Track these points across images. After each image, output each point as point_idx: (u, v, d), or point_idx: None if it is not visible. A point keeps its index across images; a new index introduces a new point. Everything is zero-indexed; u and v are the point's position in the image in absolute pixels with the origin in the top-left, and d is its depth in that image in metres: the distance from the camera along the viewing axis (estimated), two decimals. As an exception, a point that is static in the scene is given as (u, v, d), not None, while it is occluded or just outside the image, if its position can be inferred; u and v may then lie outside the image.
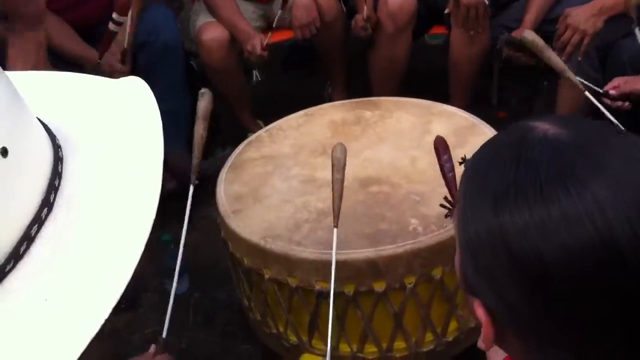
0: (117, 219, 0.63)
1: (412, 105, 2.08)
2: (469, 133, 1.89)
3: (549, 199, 0.58)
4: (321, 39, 2.71)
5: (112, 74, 2.37)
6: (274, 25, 2.60)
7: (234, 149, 2.15)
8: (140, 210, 0.63)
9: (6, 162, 0.58)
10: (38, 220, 0.61)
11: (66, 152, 0.68)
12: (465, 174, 0.68)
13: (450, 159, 1.46)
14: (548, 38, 2.27)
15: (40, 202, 0.62)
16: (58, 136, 0.69)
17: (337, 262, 1.46)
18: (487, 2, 2.44)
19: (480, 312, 0.66)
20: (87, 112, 0.74)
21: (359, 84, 2.88)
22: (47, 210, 0.63)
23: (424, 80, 2.68)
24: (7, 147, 0.58)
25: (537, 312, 0.60)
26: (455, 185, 1.41)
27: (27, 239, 0.60)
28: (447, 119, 1.98)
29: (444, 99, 2.55)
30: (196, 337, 2.07)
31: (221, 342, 2.02)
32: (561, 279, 0.57)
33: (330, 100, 2.87)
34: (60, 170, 0.66)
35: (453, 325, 1.62)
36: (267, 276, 1.59)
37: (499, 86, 2.88)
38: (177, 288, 2.15)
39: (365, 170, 1.79)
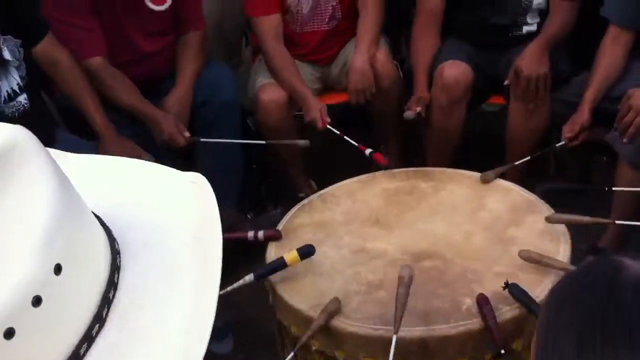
0: (170, 342, 0.61)
1: (466, 177, 2.06)
2: (525, 211, 1.85)
3: (637, 346, 0.56)
4: (376, 104, 2.72)
5: (171, 142, 2.40)
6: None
7: (285, 208, 2.15)
8: (192, 339, 0.61)
9: (60, 280, 0.56)
10: (88, 339, 0.59)
11: (124, 257, 0.66)
12: (548, 304, 0.66)
13: (491, 309, 1.46)
14: (608, 116, 2.26)
15: (92, 318, 0.59)
16: (118, 239, 0.67)
17: (386, 338, 1.43)
18: (549, 75, 2.42)
19: None
20: (152, 209, 0.72)
21: (413, 148, 2.87)
22: (99, 326, 0.60)
23: (480, 147, 2.65)
24: (62, 263, 0.56)
25: None
26: (498, 329, 1.43)
27: (76, 358, 0.57)
28: (503, 194, 1.95)
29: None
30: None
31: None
32: None
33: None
34: (116, 280, 0.63)
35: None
36: (313, 347, 1.56)
37: (556, 159, 2.84)
38: (220, 348, 2.15)
39: (418, 244, 1.76)
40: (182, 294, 0.65)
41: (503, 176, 2.04)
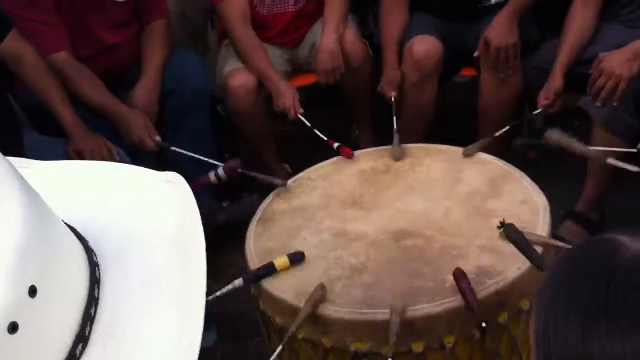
0: (159, 355, 0.59)
1: (442, 152, 2.04)
2: (503, 182, 1.84)
3: None
4: (347, 83, 2.69)
5: (141, 145, 2.35)
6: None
7: (260, 194, 2.13)
8: (182, 350, 0.59)
9: (35, 302, 0.53)
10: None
11: (103, 268, 0.63)
12: (545, 288, 0.64)
13: (469, 282, 1.44)
14: (582, 80, 2.25)
15: (74, 338, 0.57)
16: (95, 249, 0.64)
17: (374, 322, 1.43)
18: (518, 44, 2.41)
19: None
20: (128, 214, 0.69)
21: (386, 125, 2.85)
22: (82, 345, 0.57)
23: (453, 119, 2.64)
24: (36, 285, 0.53)
25: None
26: (477, 303, 1.41)
27: None
28: (480, 166, 1.94)
29: (474, 139, 2.52)
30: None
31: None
32: None
33: (357, 142, 2.85)
34: (96, 295, 0.60)
35: (492, 383, 1.56)
36: (300, 336, 1.54)
37: (529, 127, 2.84)
38: (204, 340, 2.13)
39: (398, 223, 1.75)
40: (166, 303, 0.62)
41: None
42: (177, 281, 0.64)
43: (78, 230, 0.65)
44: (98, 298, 0.60)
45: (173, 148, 2.33)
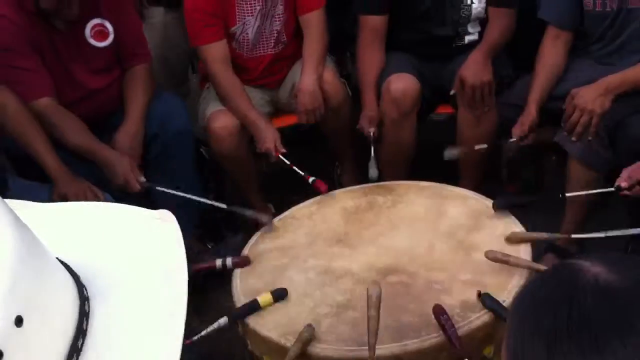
0: None
1: (423, 188, 2.09)
2: (484, 217, 1.88)
3: (604, 350, 0.57)
4: (327, 123, 2.73)
5: (126, 187, 2.36)
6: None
7: (245, 235, 2.15)
8: None
9: (22, 332, 0.54)
10: None
11: (94, 302, 0.65)
12: (513, 312, 0.67)
13: (448, 318, 1.47)
14: (556, 115, 2.31)
15: None
16: (87, 284, 0.66)
17: (361, 359, 1.44)
18: (493, 81, 2.47)
19: None
20: (119, 250, 0.72)
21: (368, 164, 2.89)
22: None
23: (433, 157, 2.68)
24: (23, 315, 0.55)
25: None
26: (458, 337, 1.44)
27: None
28: (461, 202, 1.98)
29: (454, 176, 2.57)
30: None
31: None
32: None
33: (339, 181, 2.88)
34: (85, 327, 0.62)
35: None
36: (289, 375, 1.55)
37: (508, 161, 2.89)
38: (192, 382, 2.12)
39: (383, 259, 1.78)
40: (150, 334, 0.64)
41: (458, 184, 2.08)
42: (161, 316, 0.66)
43: (71, 266, 0.67)
44: (86, 330, 0.62)
45: (158, 188, 2.34)
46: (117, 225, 0.75)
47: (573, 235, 2.08)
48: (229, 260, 1.78)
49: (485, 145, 2.43)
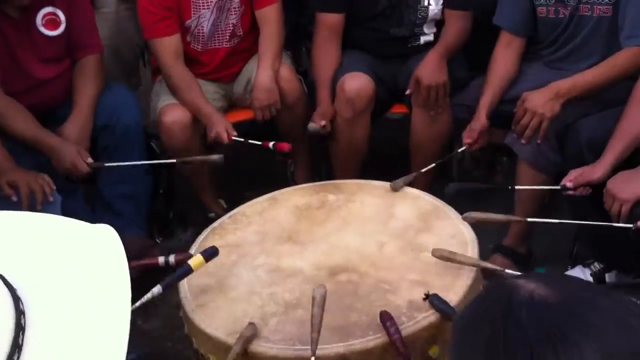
0: None
1: (375, 188, 2.09)
2: (434, 217, 1.89)
3: (540, 358, 0.58)
4: (283, 119, 2.72)
5: (74, 169, 2.32)
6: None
7: (195, 231, 2.12)
8: None
9: None
10: None
11: (30, 316, 0.64)
12: (454, 328, 0.69)
13: (393, 324, 1.46)
14: (507, 118, 2.34)
15: None
16: (24, 297, 0.65)
17: (307, 358, 1.43)
18: (448, 82, 2.49)
19: None
20: (57, 262, 0.70)
21: (322, 162, 2.89)
22: None
23: (385, 155, 2.70)
24: None
25: None
26: (402, 343, 1.43)
27: None
28: (411, 202, 1.98)
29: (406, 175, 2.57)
30: None
31: None
32: None
33: (293, 179, 2.87)
34: (20, 342, 0.62)
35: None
36: (234, 373, 1.53)
37: (460, 163, 2.92)
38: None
39: (332, 258, 1.77)
40: (89, 345, 0.63)
41: (411, 184, 2.08)
42: (101, 327, 0.65)
43: (7, 279, 0.66)
44: (22, 345, 0.62)
45: (107, 164, 2.30)
46: (56, 237, 0.74)
47: (529, 219, 2.07)
48: (171, 257, 1.75)
49: (432, 165, 2.35)
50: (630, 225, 1.77)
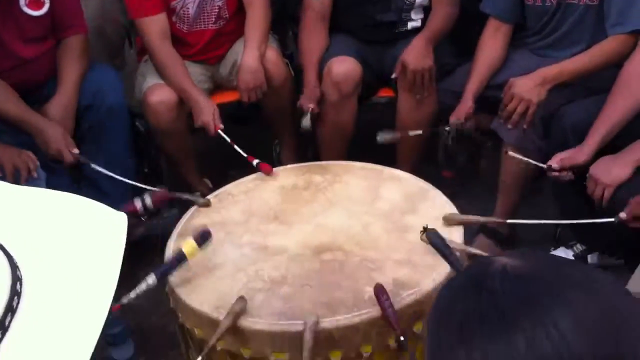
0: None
1: (361, 169, 2.09)
2: (420, 199, 1.90)
3: (511, 327, 0.59)
4: (269, 102, 2.72)
5: (58, 157, 2.30)
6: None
7: (180, 209, 2.11)
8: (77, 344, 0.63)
9: None
10: None
11: (27, 283, 0.67)
12: (433, 308, 0.70)
13: (388, 297, 1.47)
14: (493, 103, 2.35)
15: None
16: (21, 264, 0.68)
17: (293, 333, 1.44)
18: (434, 68, 2.50)
19: None
20: (58, 235, 0.73)
21: (308, 144, 2.89)
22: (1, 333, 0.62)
23: (372, 138, 2.70)
24: None
25: None
26: (396, 318, 1.44)
27: None
28: (397, 184, 1.99)
29: (392, 158, 2.59)
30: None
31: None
32: None
33: (279, 160, 2.87)
34: (15, 306, 0.65)
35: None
36: (219, 347, 1.53)
37: (445, 146, 2.93)
38: (121, 354, 2.09)
39: (318, 237, 1.77)
40: (77, 311, 0.66)
41: (395, 166, 2.09)
42: (90, 295, 0.68)
43: (4, 246, 0.69)
44: (16, 309, 0.65)
45: (94, 166, 2.28)
46: (61, 213, 0.76)
47: (508, 221, 2.11)
48: (147, 199, 1.73)
49: (419, 132, 2.46)
50: (613, 220, 1.78)
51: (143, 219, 2.52)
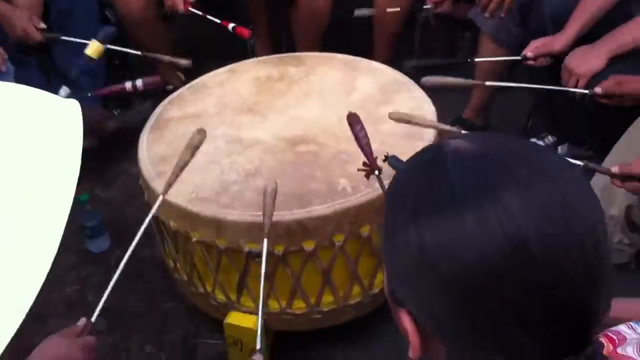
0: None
1: (336, 60, 2.07)
2: (395, 90, 1.89)
3: (462, 205, 0.60)
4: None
5: (26, 38, 2.23)
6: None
7: (153, 102, 2.09)
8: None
9: None
10: None
11: None
12: (388, 191, 0.71)
13: (362, 128, 1.46)
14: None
15: None
16: None
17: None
18: None
19: (406, 322, 0.67)
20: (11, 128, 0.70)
21: (283, 35, 2.83)
22: None
23: (347, 29, 2.65)
24: None
25: (459, 316, 0.61)
26: (371, 150, 1.44)
27: None
28: (373, 75, 1.97)
29: (367, 49, 2.55)
30: (120, 296, 2.03)
31: (146, 299, 1.99)
32: (478, 280, 0.59)
33: (253, 52, 2.82)
34: None
35: (379, 277, 1.65)
36: (194, 239, 1.56)
37: (422, 36, 2.89)
38: (97, 247, 2.12)
39: (293, 129, 1.77)
40: (40, 203, 0.64)
41: (371, 53, 2.06)
42: (52, 186, 0.66)
43: None
44: None
45: (64, 37, 2.21)
46: (14, 105, 0.72)
47: (487, 83, 2.07)
48: (139, 82, 1.72)
49: (398, 9, 2.41)
50: (587, 91, 1.80)
51: (115, 112, 2.50)
